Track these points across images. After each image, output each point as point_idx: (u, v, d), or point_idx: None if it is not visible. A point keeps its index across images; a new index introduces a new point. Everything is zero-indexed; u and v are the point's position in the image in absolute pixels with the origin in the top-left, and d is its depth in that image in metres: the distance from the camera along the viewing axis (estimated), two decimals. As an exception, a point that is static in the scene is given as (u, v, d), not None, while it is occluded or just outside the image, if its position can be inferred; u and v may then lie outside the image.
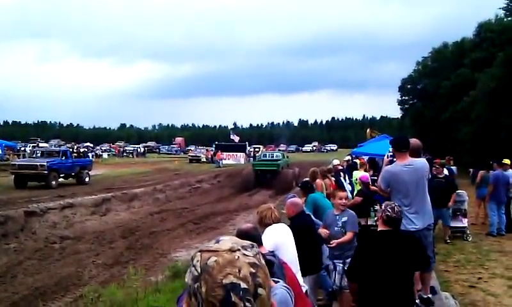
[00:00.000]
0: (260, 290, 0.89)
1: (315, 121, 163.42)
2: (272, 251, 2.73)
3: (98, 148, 59.42)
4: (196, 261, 0.92)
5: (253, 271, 0.90)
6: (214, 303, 0.86)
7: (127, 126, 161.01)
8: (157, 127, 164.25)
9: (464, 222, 9.45)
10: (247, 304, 0.86)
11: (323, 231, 4.94)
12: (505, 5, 28.05)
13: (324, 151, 79.04)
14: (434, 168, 9.44)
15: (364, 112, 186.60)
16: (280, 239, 3.54)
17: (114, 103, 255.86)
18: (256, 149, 47.55)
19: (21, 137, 76.25)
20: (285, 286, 1.93)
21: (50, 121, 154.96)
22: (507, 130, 22.29)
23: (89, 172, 24.33)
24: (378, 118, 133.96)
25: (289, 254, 3.45)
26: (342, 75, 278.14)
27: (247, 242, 0.97)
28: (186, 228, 14.02)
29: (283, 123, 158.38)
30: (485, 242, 9.14)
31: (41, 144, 44.71)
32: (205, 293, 0.87)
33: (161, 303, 6.27)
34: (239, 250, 0.92)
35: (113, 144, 72.45)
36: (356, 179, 8.94)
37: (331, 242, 4.83)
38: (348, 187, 8.87)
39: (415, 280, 4.21)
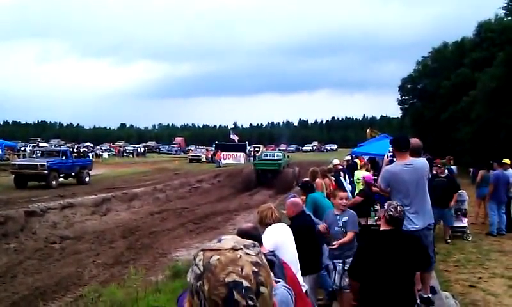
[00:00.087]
0: (262, 289, 0.89)
1: (315, 121, 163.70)
2: (273, 251, 2.74)
3: (98, 147, 59.41)
4: (199, 260, 0.93)
5: (255, 270, 0.90)
6: (217, 301, 0.87)
7: (127, 126, 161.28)
8: (157, 127, 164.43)
9: (465, 222, 9.46)
10: (249, 302, 0.87)
11: (322, 226, 4.95)
12: (505, 5, 28.08)
13: (324, 151, 79.07)
14: (436, 168, 9.45)
15: (364, 111, 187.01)
16: (280, 239, 3.55)
17: (114, 103, 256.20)
18: (257, 149, 47.50)
19: (21, 137, 76.34)
20: (286, 286, 1.93)
21: (50, 121, 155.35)
22: (507, 130, 22.31)
23: (90, 172, 24.32)
24: (378, 118, 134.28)
25: (289, 253, 3.46)
26: (342, 75, 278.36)
27: (249, 241, 0.98)
28: (186, 228, 14.02)
29: (283, 122, 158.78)
30: (485, 242, 9.14)
31: (41, 144, 44.70)
32: (207, 291, 0.88)
33: (161, 303, 6.27)
34: (241, 249, 0.93)
35: (113, 144, 72.46)
36: (358, 179, 8.93)
37: (332, 243, 4.83)
38: (348, 187, 8.86)
39: (415, 280, 4.21)
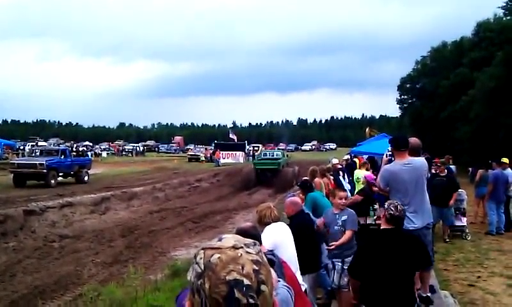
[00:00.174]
0: (263, 287, 0.90)
1: (315, 120, 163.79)
2: (272, 250, 2.74)
3: (97, 146, 59.38)
4: (200, 259, 0.93)
5: (256, 268, 0.91)
6: (218, 299, 0.87)
7: (126, 125, 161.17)
8: (156, 126, 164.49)
9: (464, 221, 9.46)
10: (250, 300, 0.87)
11: (319, 221, 4.96)
12: (504, 4, 28.13)
13: (323, 150, 78.96)
14: (435, 167, 9.45)
15: (363, 111, 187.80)
16: (279, 238, 3.55)
17: (113, 102, 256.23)
18: (256, 149, 47.55)
19: (20, 136, 76.18)
20: (286, 286, 1.94)
21: (49, 120, 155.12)
22: (506, 129, 22.34)
23: (89, 171, 24.32)
24: (377, 117, 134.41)
25: (288, 253, 3.46)
26: (341, 75, 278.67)
27: (250, 240, 0.98)
28: (185, 227, 14.02)
29: (283, 122, 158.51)
30: (484, 241, 9.15)
31: (40, 143, 44.60)
32: (208, 289, 0.88)
33: (160, 302, 6.27)
34: (241, 247, 0.93)
35: (112, 143, 72.30)
36: (358, 178, 8.94)
37: (330, 244, 4.83)
38: (347, 186, 8.87)
39: (415, 279, 4.22)
